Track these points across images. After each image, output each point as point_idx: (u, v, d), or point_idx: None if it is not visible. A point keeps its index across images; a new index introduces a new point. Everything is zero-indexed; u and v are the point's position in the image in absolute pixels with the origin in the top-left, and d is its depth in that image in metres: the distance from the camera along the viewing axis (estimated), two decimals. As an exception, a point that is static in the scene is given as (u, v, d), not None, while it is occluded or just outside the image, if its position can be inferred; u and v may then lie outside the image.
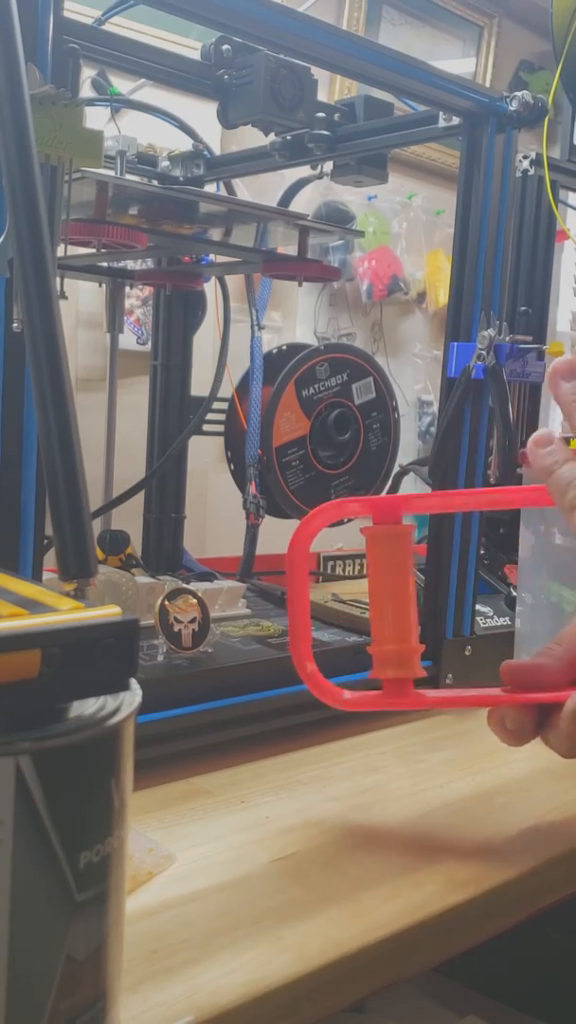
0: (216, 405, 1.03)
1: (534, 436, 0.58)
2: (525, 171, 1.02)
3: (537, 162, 1.00)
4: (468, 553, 0.83)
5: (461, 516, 0.82)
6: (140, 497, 1.01)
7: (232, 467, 1.02)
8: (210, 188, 0.98)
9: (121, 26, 0.90)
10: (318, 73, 0.77)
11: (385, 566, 0.59)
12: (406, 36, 2.13)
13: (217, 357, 1.03)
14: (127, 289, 1.07)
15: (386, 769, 0.69)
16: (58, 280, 0.44)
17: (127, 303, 1.24)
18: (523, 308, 1.05)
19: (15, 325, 0.54)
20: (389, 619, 0.59)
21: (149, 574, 0.93)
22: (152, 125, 0.98)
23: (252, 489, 0.95)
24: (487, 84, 2.29)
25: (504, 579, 0.97)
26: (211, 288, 1.07)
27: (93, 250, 0.83)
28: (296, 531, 0.60)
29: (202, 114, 0.92)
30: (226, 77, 0.76)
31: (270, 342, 1.07)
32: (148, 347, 1.10)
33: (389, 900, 0.51)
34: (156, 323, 1.06)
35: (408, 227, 2.12)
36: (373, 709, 0.64)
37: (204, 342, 1.09)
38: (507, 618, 0.90)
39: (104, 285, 1.05)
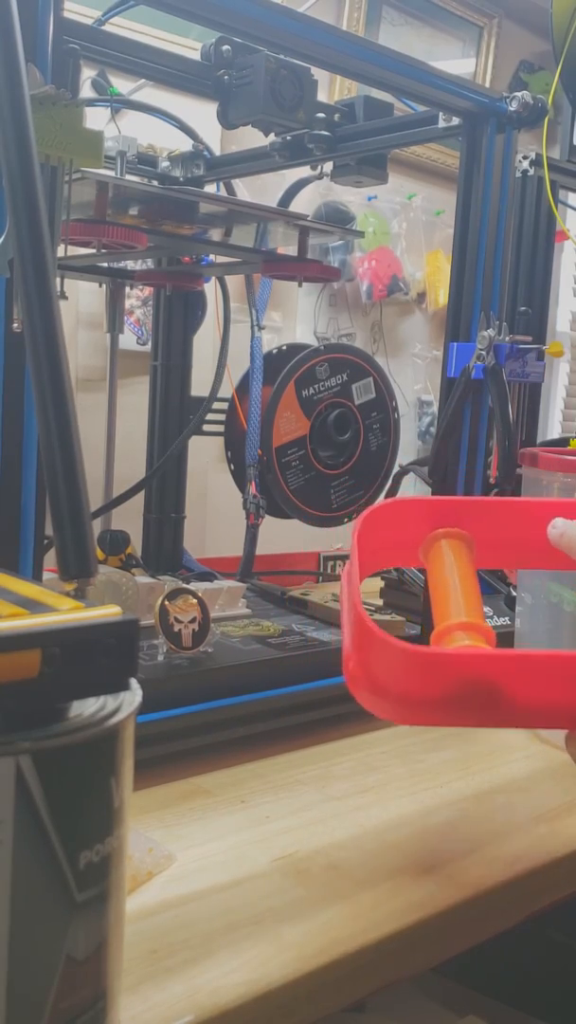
0: (216, 405, 1.03)
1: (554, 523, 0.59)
2: (525, 171, 1.02)
3: (537, 162, 1.00)
4: (468, 553, 0.83)
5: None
6: (140, 497, 1.01)
7: (232, 467, 1.02)
8: (210, 188, 0.98)
9: (121, 26, 0.90)
10: (318, 73, 0.77)
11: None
12: (406, 36, 2.13)
13: (217, 357, 1.03)
14: (127, 289, 1.07)
15: (386, 769, 0.69)
16: (58, 280, 0.44)
17: (127, 303, 1.24)
18: (523, 308, 1.05)
19: (15, 325, 0.54)
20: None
21: (149, 574, 0.93)
22: (152, 125, 0.98)
23: (252, 489, 0.95)
24: (487, 84, 2.29)
25: (504, 579, 0.97)
26: (211, 288, 1.07)
27: (93, 250, 0.83)
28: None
29: (202, 114, 0.92)
30: (226, 77, 0.76)
31: (270, 342, 1.07)
32: (148, 347, 1.10)
33: (389, 900, 0.51)
34: (156, 323, 1.06)
35: (408, 227, 2.11)
36: None
37: (204, 342, 1.09)
38: (507, 618, 0.90)
39: (104, 285, 1.05)
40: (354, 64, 0.73)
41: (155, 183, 0.95)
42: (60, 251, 0.58)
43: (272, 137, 0.87)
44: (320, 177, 0.95)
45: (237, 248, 0.96)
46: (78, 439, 0.38)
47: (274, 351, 1.02)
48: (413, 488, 2.05)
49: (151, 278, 1.04)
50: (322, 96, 0.81)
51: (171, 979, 0.43)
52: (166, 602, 0.72)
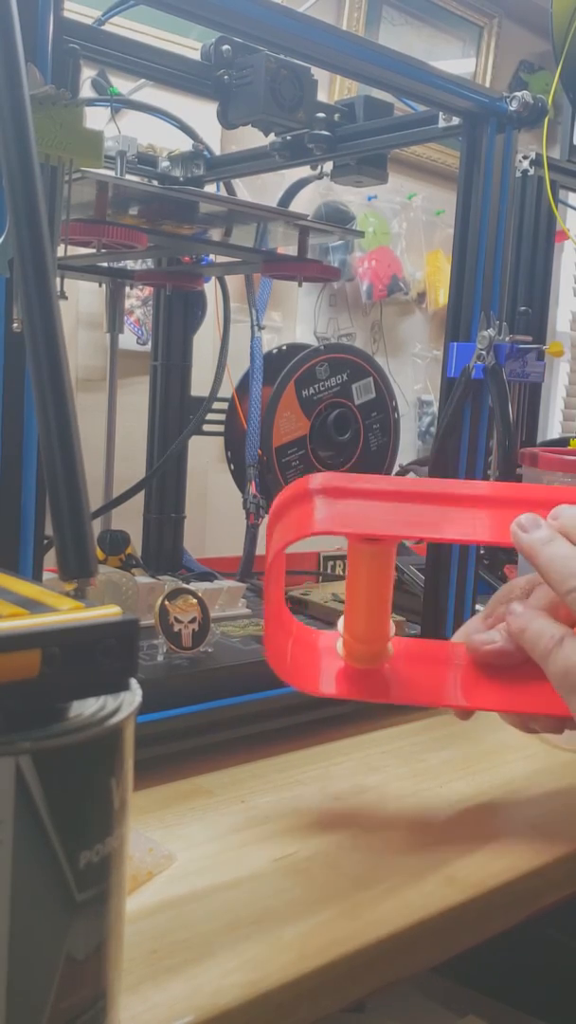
0: (216, 405, 1.03)
1: (518, 520, 0.53)
2: (525, 171, 1.02)
3: (537, 162, 1.00)
4: (468, 553, 0.83)
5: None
6: (140, 497, 1.01)
7: (232, 467, 1.02)
8: (210, 188, 0.98)
9: (121, 26, 0.90)
10: (318, 73, 0.77)
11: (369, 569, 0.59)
12: (406, 36, 2.13)
13: (217, 357, 1.03)
14: (127, 289, 1.07)
15: (386, 769, 0.69)
16: (58, 280, 0.44)
17: (127, 303, 1.24)
18: (523, 308, 1.05)
19: (15, 325, 0.54)
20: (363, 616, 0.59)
21: (149, 574, 0.93)
22: (152, 125, 0.98)
23: (252, 489, 0.95)
24: (487, 84, 2.29)
25: (504, 579, 0.97)
26: (211, 288, 1.07)
27: (93, 250, 0.83)
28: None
29: (202, 114, 0.92)
30: (226, 77, 0.76)
31: (270, 342, 1.07)
32: (148, 347, 1.10)
33: (389, 900, 0.51)
34: (156, 323, 1.06)
35: (408, 227, 2.12)
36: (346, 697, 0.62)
37: (204, 342, 1.09)
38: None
39: (104, 285, 1.05)
40: (354, 64, 0.73)
41: (155, 183, 0.94)
42: (60, 251, 0.58)
43: (272, 137, 0.87)
44: (320, 177, 0.95)
45: (237, 248, 0.96)
46: (78, 439, 0.38)
47: (274, 351, 1.02)
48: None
49: (151, 278, 1.04)
50: (322, 96, 0.81)
51: (171, 979, 0.43)
52: (166, 602, 0.72)
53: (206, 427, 1.03)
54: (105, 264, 1.03)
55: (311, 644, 0.62)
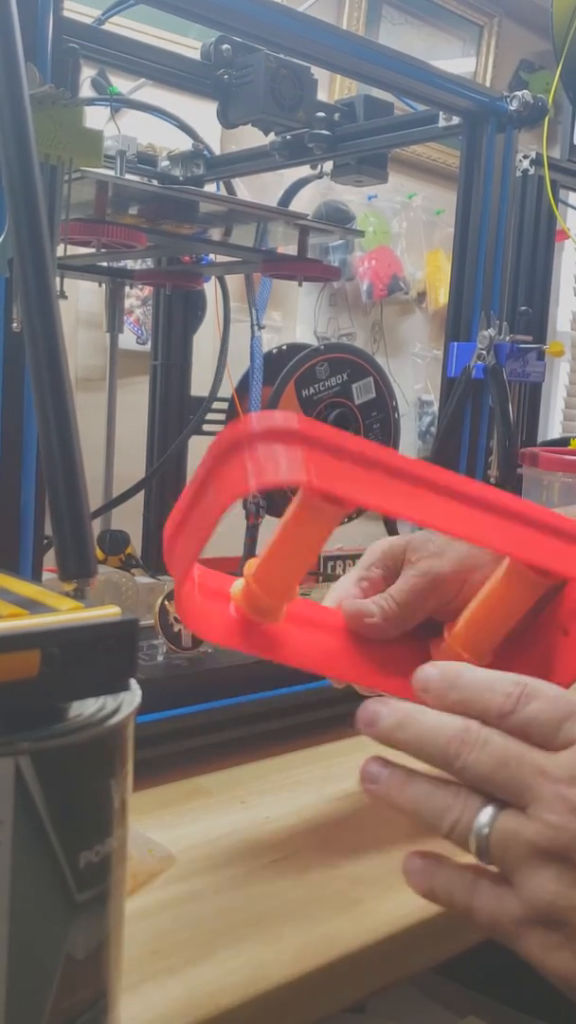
0: (216, 405, 1.03)
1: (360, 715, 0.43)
2: (525, 171, 1.02)
3: (537, 162, 1.00)
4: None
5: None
6: (140, 497, 1.01)
7: (232, 467, 1.02)
8: (210, 188, 0.98)
9: (121, 26, 0.90)
10: (318, 73, 0.77)
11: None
12: (406, 36, 2.13)
13: (217, 357, 1.03)
14: (127, 289, 1.07)
15: (386, 769, 0.69)
16: (58, 280, 0.44)
17: (127, 303, 1.24)
18: (523, 308, 1.05)
19: (15, 325, 0.54)
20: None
21: (149, 574, 0.93)
22: (152, 125, 0.98)
23: (252, 489, 0.95)
24: (487, 84, 2.29)
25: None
26: (211, 288, 1.07)
27: (93, 250, 0.83)
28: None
29: (202, 114, 0.92)
30: (226, 77, 0.76)
31: (270, 342, 1.07)
32: (148, 347, 1.10)
33: (389, 900, 0.51)
34: (156, 323, 1.06)
35: (408, 227, 2.12)
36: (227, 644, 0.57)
37: (204, 342, 1.09)
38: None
39: (104, 285, 1.05)
40: (354, 64, 0.73)
41: (155, 183, 0.94)
42: (60, 251, 0.58)
43: (272, 136, 0.87)
44: (320, 176, 0.95)
45: (237, 247, 0.96)
46: (78, 439, 0.38)
47: (274, 351, 1.02)
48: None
49: (151, 278, 1.04)
50: (322, 96, 0.81)
51: (171, 979, 0.43)
52: (166, 602, 0.72)
53: (206, 427, 1.03)
54: (105, 264, 1.03)
55: (211, 591, 0.58)
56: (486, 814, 0.40)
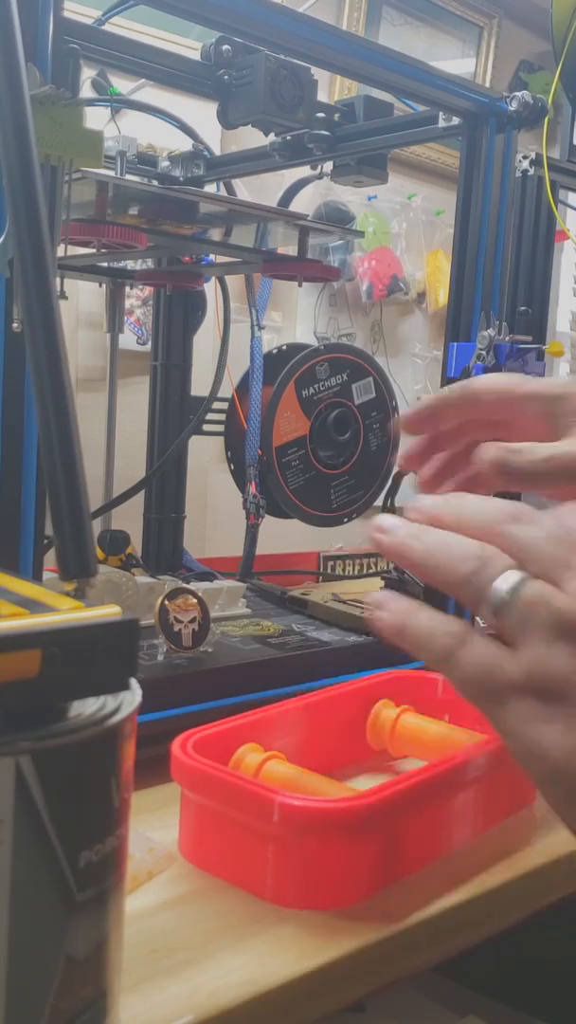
0: (216, 405, 1.03)
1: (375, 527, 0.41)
2: (525, 171, 1.02)
3: (537, 162, 1.00)
4: (468, 553, 0.83)
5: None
6: (140, 497, 1.01)
7: (232, 467, 1.02)
8: (210, 188, 0.98)
9: (121, 26, 0.90)
10: (318, 73, 0.77)
11: None
12: (406, 36, 2.13)
13: (217, 357, 1.03)
14: (127, 289, 1.07)
15: (386, 769, 0.69)
16: (58, 280, 0.44)
17: (127, 303, 1.24)
18: (523, 308, 1.05)
19: (15, 325, 0.54)
20: None
21: (149, 574, 0.93)
22: (152, 125, 0.98)
23: (252, 489, 0.95)
24: (487, 84, 2.29)
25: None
26: (211, 288, 1.07)
27: (93, 250, 0.83)
28: None
29: (202, 114, 0.92)
30: (226, 77, 0.76)
31: (270, 342, 1.07)
32: (148, 347, 1.10)
33: (389, 900, 0.51)
34: (156, 323, 1.06)
35: (408, 227, 2.11)
36: None
37: (204, 342, 1.09)
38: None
39: (104, 285, 1.05)
40: (354, 64, 0.73)
41: (155, 183, 0.94)
42: (60, 251, 0.58)
43: (272, 137, 0.87)
44: (320, 177, 0.95)
45: (237, 248, 0.96)
46: (78, 439, 0.38)
47: (274, 351, 1.02)
48: (413, 488, 2.04)
49: (151, 278, 1.04)
50: (322, 96, 0.81)
51: (171, 979, 0.43)
52: (166, 602, 0.72)
53: (206, 427, 1.03)
54: (105, 264, 1.03)
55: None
56: (515, 575, 0.37)
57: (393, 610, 0.40)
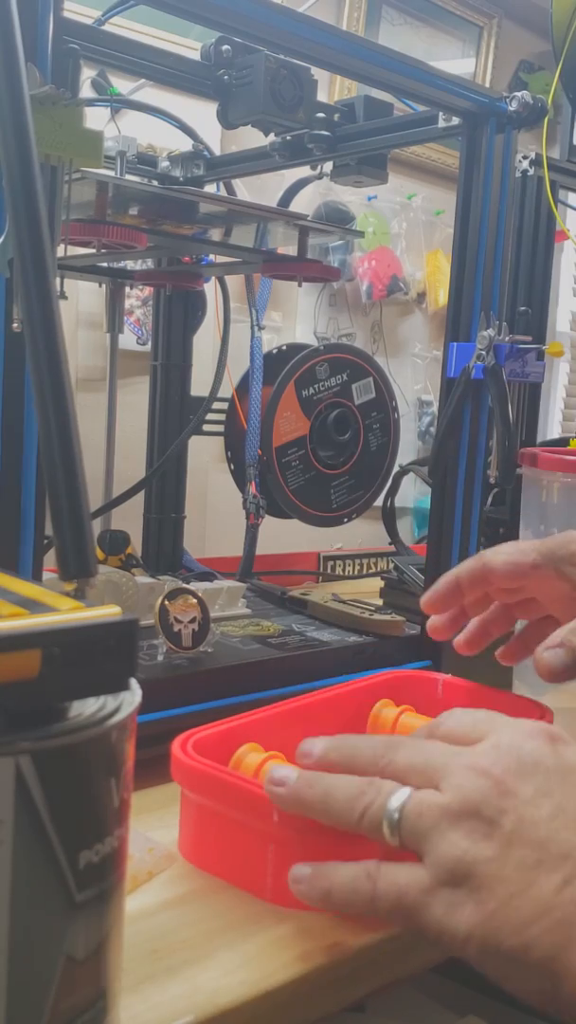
0: (216, 405, 1.03)
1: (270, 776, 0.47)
2: (525, 171, 1.02)
3: (537, 162, 1.00)
4: (467, 553, 0.83)
5: (460, 515, 0.82)
6: (140, 497, 1.01)
7: (232, 467, 1.02)
8: (210, 188, 0.98)
9: (121, 26, 0.90)
10: (318, 73, 0.77)
11: None
12: (406, 36, 2.13)
13: (217, 357, 1.03)
14: (127, 289, 1.07)
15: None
16: (58, 280, 0.44)
17: (127, 303, 1.24)
18: (523, 308, 1.05)
19: (15, 325, 0.54)
20: None
21: (149, 574, 0.93)
22: (152, 125, 0.98)
23: (252, 489, 0.95)
24: (487, 84, 2.29)
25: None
26: (211, 288, 1.07)
27: (93, 250, 0.83)
28: None
29: (202, 114, 0.92)
30: (226, 77, 0.76)
31: (270, 342, 1.07)
32: (148, 347, 1.10)
33: (389, 900, 0.51)
34: (156, 323, 1.06)
35: (408, 227, 2.11)
36: None
37: (204, 342, 1.09)
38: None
39: (104, 285, 1.05)
40: (354, 64, 0.73)
41: (155, 183, 0.95)
42: (60, 251, 0.58)
43: (272, 137, 0.87)
44: (320, 177, 0.95)
45: (237, 248, 0.96)
46: (78, 439, 0.38)
47: (274, 351, 1.02)
48: (413, 487, 2.04)
49: (151, 278, 1.04)
50: (322, 96, 0.81)
51: (171, 979, 0.43)
52: (166, 602, 0.72)
53: (206, 427, 1.03)
54: (105, 264, 1.03)
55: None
56: (402, 793, 0.43)
57: (313, 875, 0.45)
